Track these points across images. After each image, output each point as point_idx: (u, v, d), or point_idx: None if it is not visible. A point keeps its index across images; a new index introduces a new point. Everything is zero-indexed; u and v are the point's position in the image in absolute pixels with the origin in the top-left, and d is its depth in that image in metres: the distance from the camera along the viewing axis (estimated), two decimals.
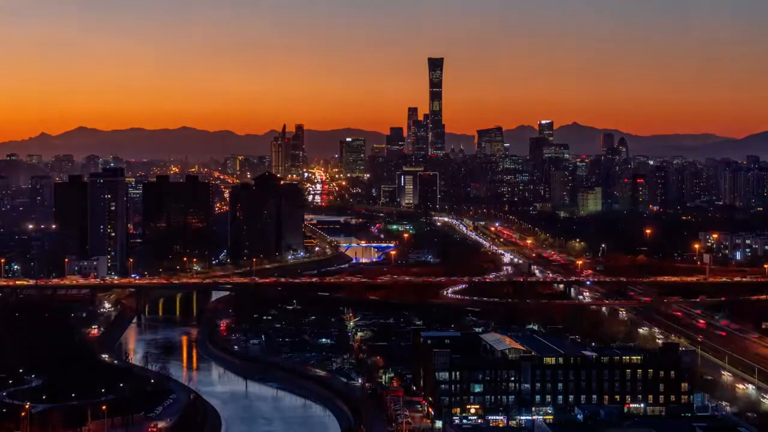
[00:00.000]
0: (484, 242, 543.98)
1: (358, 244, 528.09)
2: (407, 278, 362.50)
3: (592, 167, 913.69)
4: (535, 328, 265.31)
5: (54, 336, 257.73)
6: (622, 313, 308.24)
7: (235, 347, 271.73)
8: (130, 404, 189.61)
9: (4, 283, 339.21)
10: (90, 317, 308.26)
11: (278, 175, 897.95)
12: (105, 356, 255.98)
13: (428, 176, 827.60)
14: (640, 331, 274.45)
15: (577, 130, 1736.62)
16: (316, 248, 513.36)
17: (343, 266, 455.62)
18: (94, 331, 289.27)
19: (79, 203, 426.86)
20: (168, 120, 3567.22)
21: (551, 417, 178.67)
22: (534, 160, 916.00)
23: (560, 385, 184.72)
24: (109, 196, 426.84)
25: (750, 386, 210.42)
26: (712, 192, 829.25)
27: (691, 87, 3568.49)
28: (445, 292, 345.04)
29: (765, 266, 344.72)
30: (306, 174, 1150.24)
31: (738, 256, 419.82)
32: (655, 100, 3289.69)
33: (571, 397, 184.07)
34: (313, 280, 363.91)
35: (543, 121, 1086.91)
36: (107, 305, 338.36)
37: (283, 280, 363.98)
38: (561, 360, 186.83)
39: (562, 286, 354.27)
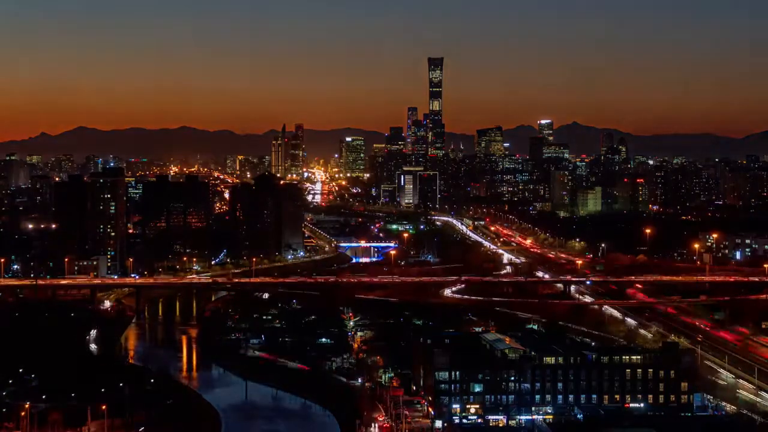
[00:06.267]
0: (484, 242, 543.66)
1: (358, 243, 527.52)
2: (408, 279, 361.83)
3: (592, 167, 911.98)
4: (535, 328, 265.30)
5: (54, 336, 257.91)
6: (620, 312, 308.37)
7: (235, 347, 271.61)
8: (130, 404, 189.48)
9: (4, 283, 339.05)
10: (90, 317, 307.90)
11: (278, 175, 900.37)
12: (105, 356, 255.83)
13: (428, 176, 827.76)
14: (640, 330, 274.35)
15: (577, 130, 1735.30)
16: (311, 248, 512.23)
17: (343, 266, 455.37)
18: (94, 331, 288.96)
19: (79, 203, 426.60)
20: (168, 120, 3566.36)
21: (551, 417, 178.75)
22: (534, 159, 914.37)
23: (560, 385, 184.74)
24: (109, 196, 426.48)
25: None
26: (712, 192, 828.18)
27: (691, 87, 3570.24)
28: (445, 292, 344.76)
29: (765, 266, 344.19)
30: (306, 174, 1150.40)
31: (738, 256, 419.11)
32: (655, 100, 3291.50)
33: (571, 397, 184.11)
34: (308, 280, 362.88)
35: (543, 121, 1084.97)
36: (107, 305, 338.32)
37: (280, 280, 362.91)
38: (561, 360, 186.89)
39: (561, 285, 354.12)
